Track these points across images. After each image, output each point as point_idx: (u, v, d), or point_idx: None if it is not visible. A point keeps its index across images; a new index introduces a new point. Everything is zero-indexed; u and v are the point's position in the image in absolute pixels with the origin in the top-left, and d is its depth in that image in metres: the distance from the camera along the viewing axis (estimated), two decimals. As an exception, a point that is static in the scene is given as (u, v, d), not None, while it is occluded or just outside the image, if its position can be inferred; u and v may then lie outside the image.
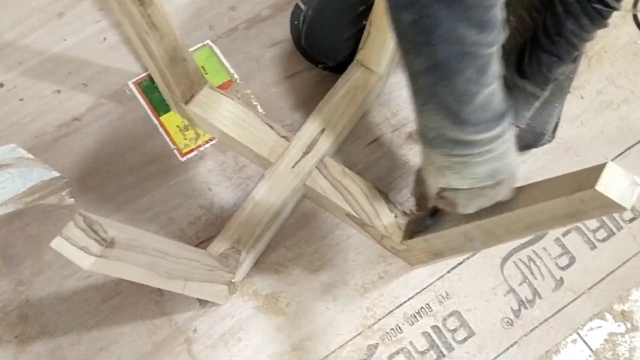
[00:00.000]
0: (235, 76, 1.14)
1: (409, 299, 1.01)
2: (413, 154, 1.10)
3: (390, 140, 1.11)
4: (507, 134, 0.65)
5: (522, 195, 0.71)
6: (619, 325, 1.02)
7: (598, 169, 0.60)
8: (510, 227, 0.73)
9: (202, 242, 1.02)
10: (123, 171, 1.06)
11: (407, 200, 1.06)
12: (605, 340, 1.01)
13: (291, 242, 1.03)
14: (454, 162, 0.65)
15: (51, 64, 1.12)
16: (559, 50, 0.91)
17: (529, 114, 0.90)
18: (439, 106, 0.61)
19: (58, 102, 1.10)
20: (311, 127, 1.03)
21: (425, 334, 0.98)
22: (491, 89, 0.60)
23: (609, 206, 0.59)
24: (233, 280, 0.95)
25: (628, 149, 1.14)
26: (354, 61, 1.08)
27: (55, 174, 1.04)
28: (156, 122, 1.09)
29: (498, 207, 0.73)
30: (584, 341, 1.01)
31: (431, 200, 0.77)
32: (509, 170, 0.68)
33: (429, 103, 0.62)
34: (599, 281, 1.04)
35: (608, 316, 1.02)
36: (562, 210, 0.64)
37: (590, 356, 1.00)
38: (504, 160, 0.66)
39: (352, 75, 1.07)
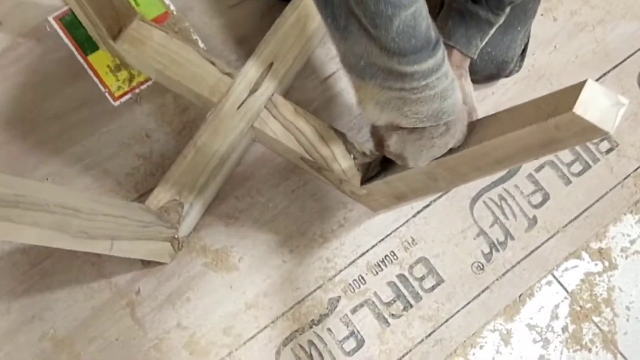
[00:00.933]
0: (172, 7, 1.01)
1: (372, 247, 0.93)
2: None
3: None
4: (443, 68, 0.56)
5: (489, 125, 0.62)
6: (595, 264, 0.96)
7: (575, 89, 0.50)
8: (477, 162, 0.64)
9: (143, 195, 0.92)
10: (48, 119, 0.94)
11: (367, 139, 0.96)
12: (582, 280, 0.95)
13: (241, 192, 0.93)
14: (391, 96, 0.57)
15: (-43, 0, 0.98)
16: None
17: (482, 44, 0.80)
18: (359, 28, 0.52)
19: (-32, 44, 0.96)
20: (258, 62, 0.92)
21: (391, 284, 0.91)
22: (410, 12, 0.50)
23: (589, 131, 0.50)
24: (177, 236, 0.85)
25: (605, 74, 1.05)
26: (304, -14, 0.96)
27: (-31, 125, 0.92)
28: (83, 62, 0.97)
29: (464, 143, 0.64)
30: (559, 282, 0.94)
31: (379, 148, 0.68)
32: (454, 111, 0.60)
33: (349, 25, 0.52)
34: (575, 218, 0.97)
35: (584, 255, 0.96)
36: (535, 139, 0.56)
37: (566, 298, 0.94)
38: (447, 99, 0.58)
39: (303, 1, 0.95)
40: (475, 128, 0.65)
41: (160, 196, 0.85)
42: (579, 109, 0.49)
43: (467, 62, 0.83)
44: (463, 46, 0.79)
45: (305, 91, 0.98)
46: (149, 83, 0.97)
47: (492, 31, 0.80)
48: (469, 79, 0.83)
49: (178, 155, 0.90)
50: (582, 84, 0.50)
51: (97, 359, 0.85)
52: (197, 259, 0.90)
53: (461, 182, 0.71)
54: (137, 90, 0.96)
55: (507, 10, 0.78)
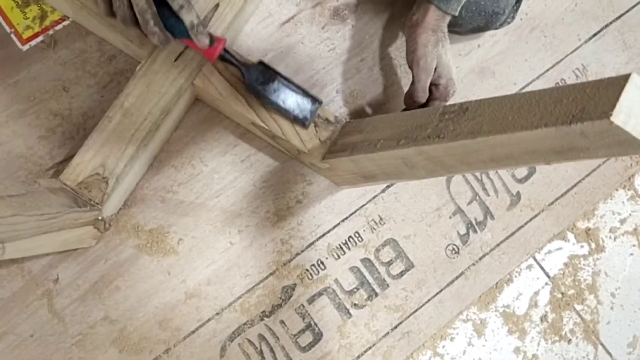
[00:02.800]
0: None
1: (334, 226, 0.80)
2: (340, 38, 0.84)
3: (311, 17, 0.84)
4: None
5: (489, 115, 0.48)
6: (581, 246, 0.86)
7: (614, 86, 0.37)
8: (467, 157, 0.51)
9: (60, 163, 0.76)
10: (-62, 67, 0.76)
11: (332, 100, 0.82)
12: (565, 264, 0.86)
13: (181, 161, 0.79)
14: None
15: None
16: None
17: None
18: None
19: None
20: (200, 2, 0.74)
21: (354, 270, 0.80)
22: None
23: (628, 145, 0.38)
24: (101, 217, 0.71)
25: (605, 26, 0.92)
26: None
27: None
28: (-20, -6, 0.77)
29: (450, 128, 0.50)
30: (541, 267, 0.85)
31: None
32: None
33: None
34: (562, 195, 0.86)
35: (570, 236, 0.86)
36: (550, 143, 0.43)
37: (547, 284, 0.85)
38: None
39: None
40: (468, 111, 0.51)
41: (79, 168, 0.70)
42: (619, 116, 0.36)
43: (446, 22, 0.68)
44: (441, 1, 0.64)
45: (259, 39, 0.82)
46: (66, 23, 0.79)
47: None
48: (447, 45, 0.70)
49: (102, 114, 0.74)
50: (624, 80, 0.37)
51: (8, 358, 0.72)
52: (127, 240, 0.76)
53: (444, 173, 0.58)
54: (50, 32, 0.78)
55: None
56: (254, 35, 0.82)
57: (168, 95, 0.73)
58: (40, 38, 0.78)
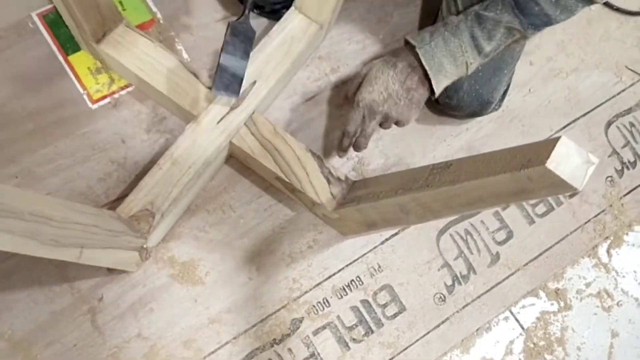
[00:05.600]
0: (158, 15, 1.01)
1: (339, 270, 0.94)
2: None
3: (329, 98, 1.02)
4: None
5: (464, 168, 0.64)
6: (552, 304, 0.99)
7: (549, 144, 0.53)
8: (450, 201, 0.66)
9: (113, 202, 0.91)
10: (21, 116, 0.92)
11: (343, 164, 0.98)
12: (537, 318, 0.98)
13: (214, 206, 0.94)
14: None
15: (-62, -14, 0.96)
16: None
17: (431, 40, 0.83)
18: None
19: (-55, 32, 0.94)
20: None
21: (354, 309, 0.92)
22: None
23: (559, 186, 0.53)
24: (145, 246, 0.85)
25: (574, 121, 1.10)
26: (292, 7, 0.97)
27: (-60, 116, 0.90)
28: (63, 61, 0.96)
29: (436, 179, 0.66)
30: (516, 319, 0.97)
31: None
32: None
33: None
34: (535, 257, 1.00)
35: (542, 294, 0.99)
36: (507, 187, 0.58)
37: (521, 334, 0.96)
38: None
39: (290, 24, 0.97)
40: (451, 167, 0.67)
41: (132, 204, 0.84)
42: (552, 163, 0.51)
43: (410, 65, 0.85)
44: (411, 35, 0.86)
45: (285, 112, 1.00)
46: (129, 89, 0.96)
47: (449, 35, 0.82)
48: (391, 74, 0.85)
49: (152, 164, 0.90)
50: (556, 140, 0.52)
51: (53, 364, 0.83)
52: (163, 269, 0.90)
53: (432, 218, 0.73)
54: (116, 95, 0.96)
55: (468, 21, 0.81)
56: (281, 108, 1.00)
57: (209, 151, 0.89)
58: (107, 100, 0.96)
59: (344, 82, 1.02)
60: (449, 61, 0.83)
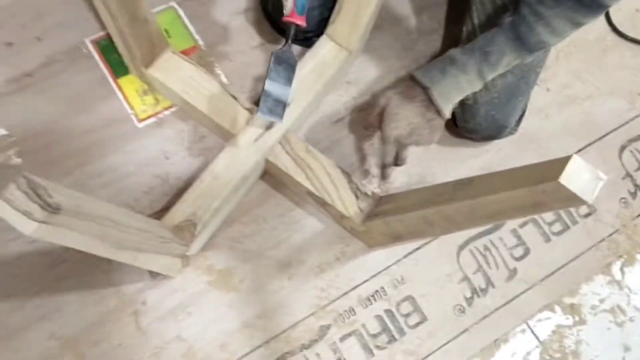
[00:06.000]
0: (200, 42, 1.09)
1: (365, 281, 1.00)
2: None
3: (357, 120, 1.09)
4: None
5: (485, 183, 0.70)
6: (567, 318, 1.04)
7: (562, 162, 0.59)
8: (471, 214, 0.72)
9: (156, 213, 0.98)
10: (75, 134, 1.01)
11: (369, 181, 1.05)
12: (553, 332, 1.03)
13: (249, 218, 1.01)
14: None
15: (3, 13, 1.05)
16: (503, 20, 0.88)
17: (442, 78, 0.88)
18: None
19: (9, 55, 1.03)
20: (276, 101, 1.00)
21: (378, 317, 0.98)
22: None
23: (571, 199, 0.59)
24: (187, 254, 0.92)
25: (589, 144, 1.15)
26: (324, 35, 1.05)
27: (3, 131, 0.98)
28: (113, 84, 1.04)
29: (459, 193, 0.72)
30: (533, 332, 1.02)
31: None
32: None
33: None
34: (551, 273, 1.05)
35: (557, 308, 1.04)
36: (524, 200, 0.64)
37: (537, 346, 1.01)
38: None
39: (321, 50, 1.04)
40: (473, 183, 0.73)
41: (176, 215, 0.92)
42: (564, 179, 0.57)
43: (424, 100, 0.91)
44: (420, 73, 0.91)
45: (316, 131, 1.07)
46: (173, 109, 1.04)
47: (458, 72, 0.88)
48: (410, 109, 0.91)
49: (192, 179, 0.98)
50: (568, 158, 0.59)
51: (99, 362, 0.90)
52: (201, 276, 0.96)
53: (454, 230, 0.79)
54: (161, 115, 1.04)
55: (474, 57, 0.87)
56: (312, 129, 1.07)
57: (247, 167, 0.96)
58: (152, 119, 1.04)
59: (371, 105, 1.09)
60: (459, 95, 0.90)
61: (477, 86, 0.89)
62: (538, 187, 0.60)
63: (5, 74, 1.02)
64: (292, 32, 0.91)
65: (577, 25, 0.82)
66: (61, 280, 0.93)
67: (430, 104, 0.90)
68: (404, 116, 0.90)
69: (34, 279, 0.92)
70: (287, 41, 0.91)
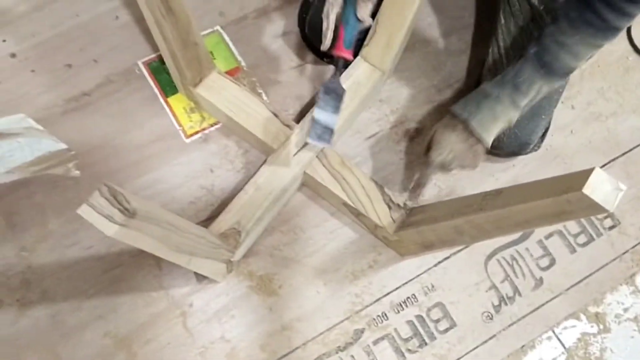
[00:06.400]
0: (243, 63, 1.17)
1: (396, 288, 1.05)
2: (409, 150, 1.14)
3: (388, 136, 1.15)
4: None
5: (513, 194, 0.76)
6: (592, 326, 1.08)
7: (585, 174, 0.64)
8: (500, 223, 0.78)
9: (202, 222, 1.05)
10: (128, 148, 1.09)
11: (400, 195, 1.11)
12: (578, 339, 1.07)
13: (287, 228, 1.07)
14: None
15: (63, 38, 1.15)
16: (527, 52, 0.92)
17: (477, 111, 0.94)
18: None
19: (68, 76, 1.12)
20: (314, 118, 1.07)
21: (410, 323, 1.03)
22: None
23: (594, 208, 0.64)
24: (232, 259, 0.98)
25: (613, 160, 1.20)
26: (358, 57, 1.12)
27: (63, 146, 1.06)
28: (163, 102, 1.12)
29: (488, 203, 0.78)
30: (558, 339, 1.06)
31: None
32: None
33: None
34: (576, 283, 1.09)
35: (582, 317, 1.08)
36: (550, 209, 0.69)
37: (563, 353, 1.05)
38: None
39: (356, 71, 1.11)
40: (502, 194, 0.79)
41: (222, 224, 0.99)
42: (587, 189, 0.63)
43: (465, 128, 0.96)
44: (458, 108, 0.97)
45: (351, 147, 1.13)
46: (218, 126, 1.12)
47: (493, 104, 0.93)
48: (453, 137, 0.97)
49: (235, 190, 1.05)
50: (591, 170, 0.64)
51: (151, 359, 0.97)
52: (243, 281, 1.03)
53: (484, 238, 0.84)
54: (206, 131, 1.12)
55: (506, 89, 0.92)
56: (347, 143, 1.13)
57: (286, 179, 1.02)
58: (199, 135, 1.11)
59: (402, 122, 1.16)
60: (496, 123, 0.95)
61: (513, 113, 0.94)
62: (563, 197, 0.66)
63: (65, 94, 1.11)
64: (341, 65, 0.98)
65: (598, 47, 0.87)
66: (115, 283, 1.00)
67: (471, 133, 0.96)
68: (447, 143, 0.97)
69: (91, 282, 1.00)
70: (335, 73, 0.97)
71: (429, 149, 1.01)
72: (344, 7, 0.95)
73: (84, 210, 0.58)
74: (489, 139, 0.96)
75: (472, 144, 0.96)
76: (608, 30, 0.84)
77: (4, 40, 1.13)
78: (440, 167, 1.01)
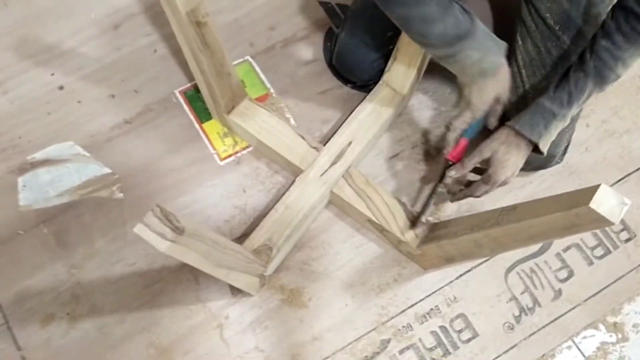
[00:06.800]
0: (272, 90, 1.25)
1: (420, 300, 1.11)
2: (430, 169, 1.20)
3: (410, 155, 1.22)
4: (469, 50, 0.92)
5: (527, 209, 0.81)
6: (610, 336, 1.12)
7: (592, 189, 0.70)
8: (516, 236, 0.84)
9: (236, 239, 1.13)
10: (167, 171, 1.17)
11: (423, 211, 1.16)
12: (598, 348, 1.11)
13: (315, 243, 1.14)
14: (452, 67, 0.98)
15: (107, 71, 1.25)
16: (587, 67, 0.94)
17: (548, 131, 0.95)
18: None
19: (112, 106, 1.22)
20: (339, 140, 1.14)
21: (434, 333, 1.09)
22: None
23: (600, 221, 0.70)
24: (264, 274, 1.05)
25: (628, 175, 1.24)
26: (380, 82, 1.19)
27: (107, 170, 1.15)
28: (198, 128, 1.21)
29: (505, 218, 0.84)
30: (578, 348, 1.10)
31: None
32: (494, 68, 0.97)
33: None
34: (594, 294, 1.13)
35: (601, 326, 1.12)
36: (561, 223, 0.75)
37: (583, 361, 1.09)
38: (483, 63, 0.95)
39: (378, 95, 1.18)
40: (517, 209, 0.85)
41: (255, 240, 1.06)
42: (594, 204, 0.68)
43: (529, 147, 0.98)
44: (527, 130, 0.95)
45: (375, 166, 1.20)
46: (249, 149, 1.20)
47: (559, 123, 0.95)
48: (518, 156, 0.98)
49: (267, 209, 1.12)
50: (597, 186, 0.70)
51: (190, 368, 1.04)
52: (275, 295, 1.09)
53: (501, 251, 0.90)
54: (239, 154, 1.19)
55: (573, 107, 0.96)
56: (370, 164, 1.20)
57: (314, 198, 1.09)
58: (232, 158, 1.19)
59: (423, 142, 1.22)
60: (554, 137, 0.99)
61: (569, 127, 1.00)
62: (572, 211, 0.71)
63: (109, 122, 1.20)
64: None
65: None
66: (157, 297, 1.08)
67: (535, 150, 0.98)
68: (513, 162, 0.98)
69: (134, 296, 1.08)
70: (445, 177, 1.06)
71: (484, 166, 1.01)
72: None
73: (140, 229, 0.65)
74: (546, 151, 0.99)
75: (528, 158, 0.99)
76: None
77: (53, 74, 1.23)
78: (501, 185, 1.01)
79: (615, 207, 0.69)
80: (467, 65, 0.95)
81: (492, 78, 0.99)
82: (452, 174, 1.03)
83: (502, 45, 1.00)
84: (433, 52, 0.97)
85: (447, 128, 1.06)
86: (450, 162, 1.05)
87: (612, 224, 0.69)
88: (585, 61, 0.93)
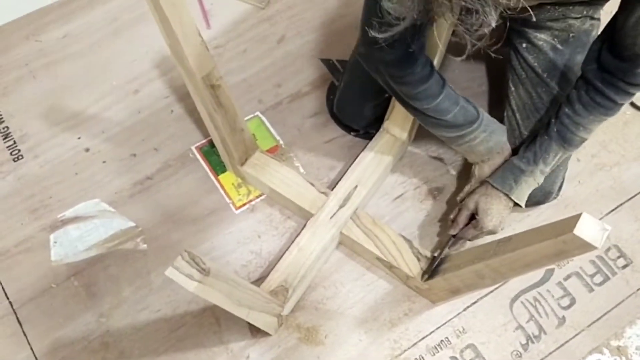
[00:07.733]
0: (281, 142, 1.35)
1: (431, 332, 1.17)
2: (432, 208, 1.28)
3: (413, 196, 1.30)
4: (477, 131, 1.07)
5: (521, 239, 0.89)
6: (615, 359, 1.16)
7: (575, 218, 0.78)
8: (513, 264, 0.91)
9: (254, 282, 1.20)
10: (186, 221, 1.25)
11: (427, 248, 1.24)
12: (604, 371, 1.15)
13: (328, 283, 1.21)
14: (461, 148, 1.12)
15: (128, 132, 1.35)
16: (550, 131, 1.04)
17: (518, 185, 1.06)
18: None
19: (134, 164, 1.31)
20: (346, 184, 1.22)
21: (445, 364, 1.14)
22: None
23: (585, 246, 0.77)
24: (282, 314, 1.12)
25: (620, 204, 1.31)
26: (381, 129, 1.28)
27: (132, 223, 1.24)
28: (214, 180, 1.30)
29: (502, 249, 0.91)
30: (585, 372, 1.15)
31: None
32: (500, 145, 1.11)
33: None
34: (597, 319, 1.19)
35: (605, 350, 1.17)
36: (550, 250, 0.82)
37: (590, 385, 1.14)
38: (490, 142, 1.09)
39: (380, 141, 1.27)
40: (512, 240, 0.92)
41: (271, 283, 1.13)
42: (577, 231, 0.76)
43: (508, 199, 1.08)
44: (498, 183, 1.07)
45: (380, 207, 1.28)
46: (262, 197, 1.28)
47: (528, 178, 1.05)
48: (499, 205, 1.08)
49: (281, 252, 1.20)
50: (580, 215, 0.77)
51: (217, 407, 1.09)
52: (293, 334, 1.16)
53: (501, 280, 0.97)
54: (253, 202, 1.28)
55: (539, 165, 1.05)
56: (376, 205, 1.28)
57: (325, 239, 1.17)
58: (246, 206, 1.28)
59: (424, 183, 1.30)
60: (530, 190, 1.09)
61: (542, 180, 1.08)
62: (559, 239, 0.79)
63: (131, 179, 1.30)
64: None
65: (605, 120, 1.02)
66: (181, 341, 1.14)
67: (512, 201, 1.08)
68: (496, 211, 1.08)
69: (160, 341, 1.14)
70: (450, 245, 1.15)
71: (472, 216, 1.11)
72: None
73: (171, 272, 0.73)
74: (524, 203, 1.09)
75: (511, 208, 1.09)
76: (616, 108, 0.98)
77: (79, 138, 1.34)
78: (490, 232, 1.11)
79: (597, 233, 0.76)
80: (475, 145, 1.10)
81: (497, 155, 1.12)
82: (451, 232, 1.13)
83: (503, 127, 1.14)
84: (445, 134, 1.10)
85: (459, 208, 1.14)
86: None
87: (596, 248, 0.76)
88: (550, 125, 1.04)
